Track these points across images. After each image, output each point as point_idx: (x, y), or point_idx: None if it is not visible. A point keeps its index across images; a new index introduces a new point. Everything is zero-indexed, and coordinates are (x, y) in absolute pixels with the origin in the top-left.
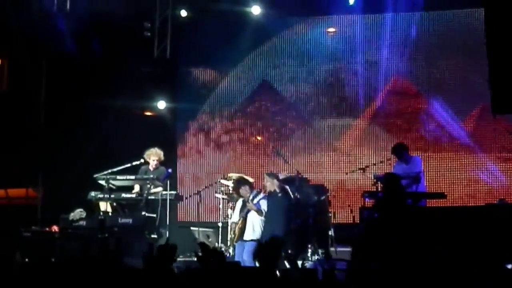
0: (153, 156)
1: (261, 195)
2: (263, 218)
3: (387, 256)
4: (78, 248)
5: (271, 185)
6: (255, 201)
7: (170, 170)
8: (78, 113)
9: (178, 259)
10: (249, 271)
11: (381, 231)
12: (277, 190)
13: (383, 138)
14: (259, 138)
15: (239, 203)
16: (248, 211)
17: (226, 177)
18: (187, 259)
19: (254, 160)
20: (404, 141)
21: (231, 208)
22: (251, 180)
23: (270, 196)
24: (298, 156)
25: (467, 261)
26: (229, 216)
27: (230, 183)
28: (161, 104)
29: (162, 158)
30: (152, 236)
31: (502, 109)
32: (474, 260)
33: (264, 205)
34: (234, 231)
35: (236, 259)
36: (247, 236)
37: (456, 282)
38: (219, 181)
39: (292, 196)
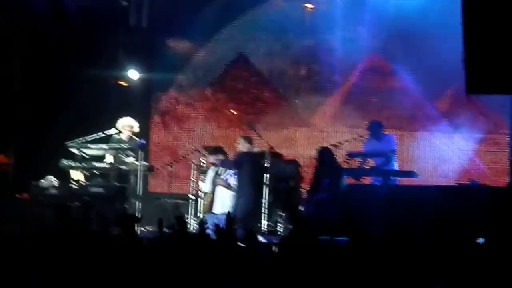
0: (127, 126)
1: (230, 171)
2: (233, 192)
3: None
4: (49, 216)
5: (243, 147)
6: (224, 175)
7: (143, 141)
8: (53, 81)
9: (148, 229)
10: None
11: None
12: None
13: (357, 115)
14: (233, 111)
15: (211, 172)
16: (217, 185)
17: (199, 148)
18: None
19: (228, 133)
20: (377, 119)
21: (202, 181)
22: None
23: (241, 169)
24: (272, 131)
25: (435, 239)
26: (201, 188)
27: (202, 155)
28: (133, 74)
29: (136, 129)
30: (123, 206)
31: (476, 89)
32: (443, 238)
33: (233, 179)
34: (204, 202)
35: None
36: (217, 209)
37: (425, 258)
38: (192, 153)
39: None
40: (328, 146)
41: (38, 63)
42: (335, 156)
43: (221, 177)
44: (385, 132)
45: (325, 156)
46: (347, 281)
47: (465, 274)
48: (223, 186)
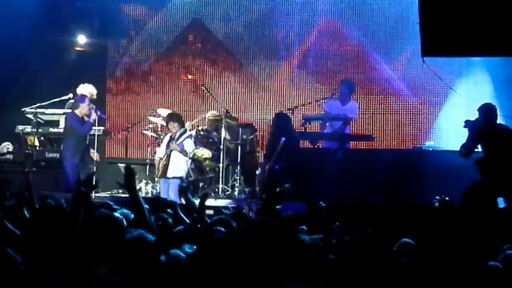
0: (86, 92)
1: (186, 134)
2: (187, 157)
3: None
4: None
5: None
6: (179, 141)
7: (104, 116)
8: (7, 48)
9: (104, 194)
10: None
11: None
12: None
13: (313, 79)
14: (189, 76)
15: (166, 138)
16: (171, 150)
17: (155, 113)
18: (115, 194)
19: (184, 98)
20: (333, 83)
21: (158, 146)
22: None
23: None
24: (228, 95)
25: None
26: (156, 154)
27: (158, 120)
28: (81, 39)
29: (94, 95)
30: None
31: (432, 52)
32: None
33: (188, 145)
34: (159, 167)
35: (162, 195)
36: (170, 173)
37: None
38: (148, 118)
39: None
40: (283, 111)
41: None
42: (290, 121)
43: (177, 142)
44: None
45: (280, 120)
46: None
47: (424, 236)
48: (177, 151)
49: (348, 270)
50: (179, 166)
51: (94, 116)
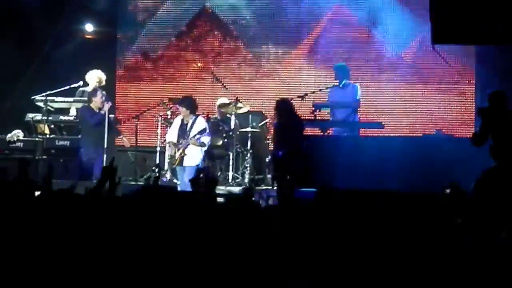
0: (95, 78)
1: (205, 132)
2: (204, 149)
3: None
4: (14, 169)
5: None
6: (196, 137)
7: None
8: (19, 36)
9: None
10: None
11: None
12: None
13: (323, 66)
14: (199, 64)
15: (177, 121)
16: (189, 144)
17: (165, 101)
18: (124, 183)
19: (194, 85)
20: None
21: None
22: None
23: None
24: (237, 83)
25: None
26: (167, 139)
27: (169, 108)
28: (89, 27)
29: (103, 81)
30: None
31: (442, 39)
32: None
33: (205, 140)
34: (174, 153)
35: (180, 183)
36: (186, 162)
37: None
38: (158, 105)
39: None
40: (293, 98)
41: (3, 18)
42: (293, 107)
43: (195, 138)
44: (349, 81)
45: (283, 107)
46: (319, 235)
47: (434, 226)
48: (196, 145)
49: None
50: (195, 156)
51: (106, 107)
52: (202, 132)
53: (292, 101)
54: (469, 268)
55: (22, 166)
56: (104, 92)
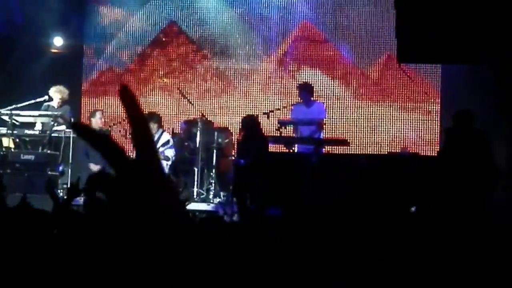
0: (57, 93)
1: (169, 144)
2: (169, 162)
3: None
4: None
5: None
6: (161, 150)
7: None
8: None
9: (78, 198)
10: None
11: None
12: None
13: (289, 83)
14: (165, 79)
15: None
16: None
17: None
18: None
19: (159, 101)
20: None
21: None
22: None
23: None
24: (203, 99)
25: (367, 207)
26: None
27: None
28: (57, 41)
29: (66, 96)
30: (54, 173)
31: (408, 58)
32: (375, 206)
33: (169, 153)
34: None
35: None
36: None
37: (357, 228)
38: (124, 120)
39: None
40: (258, 115)
41: None
42: (259, 123)
43: (160, 149)
44: (314, 99)
45: (249, 122)
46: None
47: (398, 242)
48: (160, 159)
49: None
50: None
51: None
52: (165, 144)
53: (257, 117)
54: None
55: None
56: (68, 107)
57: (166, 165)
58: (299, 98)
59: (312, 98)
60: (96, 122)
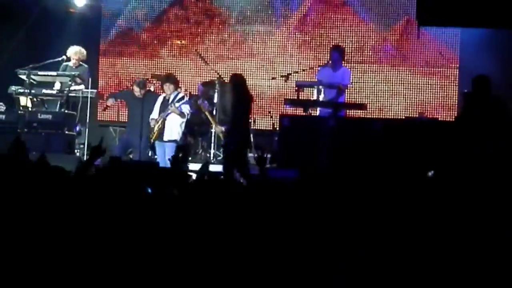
0: (75, 54)
1: (185, 99)
2: (184, 120)
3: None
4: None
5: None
6: (177, 105)
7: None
8: (2, 7)
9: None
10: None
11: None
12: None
13: (307, 46)
14: (182, 41)
15: (160, 99)
16: (169, 113)
17: (148, 78)
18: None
19: (176, 63)
20: (328, 50)
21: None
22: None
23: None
24: (221, 62)
25: (386, 172)
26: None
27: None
28: (79, 1)
29: (84, 57)
30: (71, 133)
31: (428, 21)
32: (394, 170)
33: (186, 109)
34: (153, 130)
35: (159, 160)
36: (166, 136)
37: (375, 191)
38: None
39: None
40: (276, 77)
41: None
42: (244, 84)
43: (176, 105)
44: (343, 64)
45: (234, 82)
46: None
47: (415, 207)
48: (176, 113)
49: None
50: (174, 129)
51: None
52: (180, 100)
53: (245, 78)
54: None
55: (18, 143)
56: (86, 67)
57: (180, 126)
58: (329, 60)
59: (342, 63)
60: (137, 91)
